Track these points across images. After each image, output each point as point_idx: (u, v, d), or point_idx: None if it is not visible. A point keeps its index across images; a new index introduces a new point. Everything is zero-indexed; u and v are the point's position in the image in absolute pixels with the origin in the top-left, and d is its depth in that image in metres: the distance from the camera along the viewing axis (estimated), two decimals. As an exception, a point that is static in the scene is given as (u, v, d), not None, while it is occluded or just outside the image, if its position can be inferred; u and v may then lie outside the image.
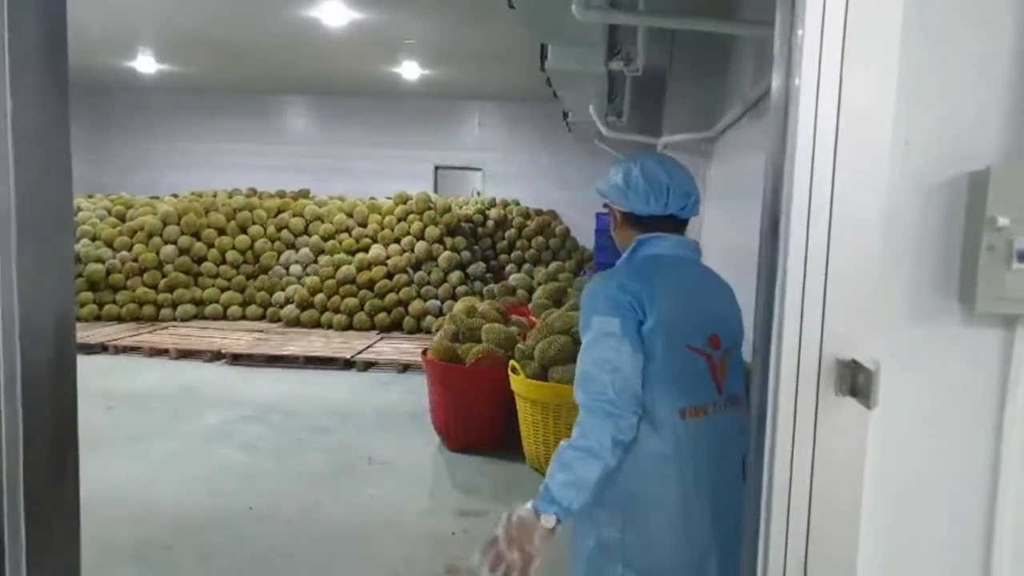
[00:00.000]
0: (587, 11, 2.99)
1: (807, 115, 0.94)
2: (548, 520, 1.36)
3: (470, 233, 8.67)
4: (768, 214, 1.03)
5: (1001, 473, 0.99)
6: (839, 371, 0.96)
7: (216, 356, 6.39)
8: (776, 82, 1.02)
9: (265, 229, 8.35)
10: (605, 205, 1.68)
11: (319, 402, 5.15)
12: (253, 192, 9.19)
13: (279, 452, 4.13)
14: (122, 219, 8.21)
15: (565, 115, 8.28)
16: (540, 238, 9.07)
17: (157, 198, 8.85)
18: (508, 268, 8.71)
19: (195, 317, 7.76)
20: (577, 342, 3.84)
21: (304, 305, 7.69)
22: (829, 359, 0.96)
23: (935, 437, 1.00)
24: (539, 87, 6.87)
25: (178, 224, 8.00)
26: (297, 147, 11.97)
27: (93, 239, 7.86)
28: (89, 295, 7.54)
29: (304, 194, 9.30)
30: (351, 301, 7.59)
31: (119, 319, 7.53)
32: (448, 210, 8.37)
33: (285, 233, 8.36)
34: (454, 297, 7.57)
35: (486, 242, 8.98)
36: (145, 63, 9.65)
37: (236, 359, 6.29)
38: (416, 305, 7.61)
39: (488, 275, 8.26)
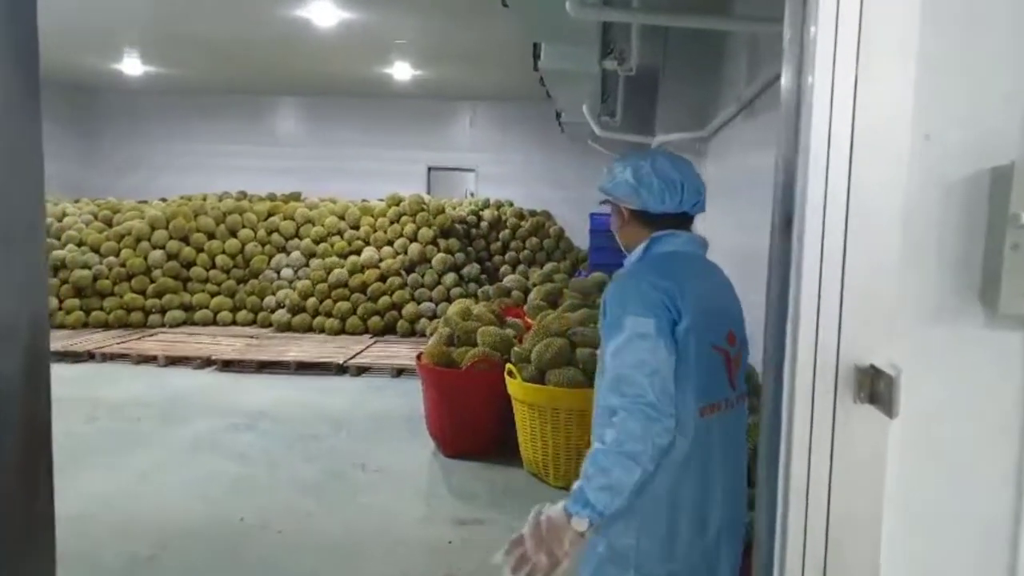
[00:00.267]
0: (582, 8, 2.96)
1: (821, 113, 0.91)
2: (580, 523, 1.34)
3: (464, 234, 8.62)
4: (780, 214, 0.99)
5: (1027, 479, 0.95)
6: (857, 377, 0.92)
7: (206, 362, 6.30)
8: (786, 79, 0.98)
9: (255, 233, 8.25)
10: (605, 203, 1.64)
11: (311, 408, 5.08)
12: (243, 195, 9.10)
13: (270, 460, 4.06)
14: (109, 224, 8.09)
15: (558, 115, 8.25)
16: (534, 239, 9.03)
17: (145, 202, 8.75)
18: (503, 269, 8.66)
19: (184, 323, 7.65)
20: (575, 344, 3.82)
21: (296, 309, 7.61)
22: (847, 364, 0.92)
23: (957, 442, 0.97)
24: (532, 87, 6.84)
25: (166, 228, 7.90)
26: (288, 149, 11.91)
27: (79, 244, 7.74)
28: (76, 302, 7.42)
29: (295, 197, 9.23)
30: (343, 305, 7.52)
31: (106, 326, 7.42)
32: (441, 211, 8.31)
33: (276, 236, 8.27)
34: (448, 299, 7.50)
35: (480, 243, 8.92)
36: (131, 65, 9.56)
37: (227, 365, 6.20)
38: (410, 308, 7.55)
39: (483, 276, 8.21)
